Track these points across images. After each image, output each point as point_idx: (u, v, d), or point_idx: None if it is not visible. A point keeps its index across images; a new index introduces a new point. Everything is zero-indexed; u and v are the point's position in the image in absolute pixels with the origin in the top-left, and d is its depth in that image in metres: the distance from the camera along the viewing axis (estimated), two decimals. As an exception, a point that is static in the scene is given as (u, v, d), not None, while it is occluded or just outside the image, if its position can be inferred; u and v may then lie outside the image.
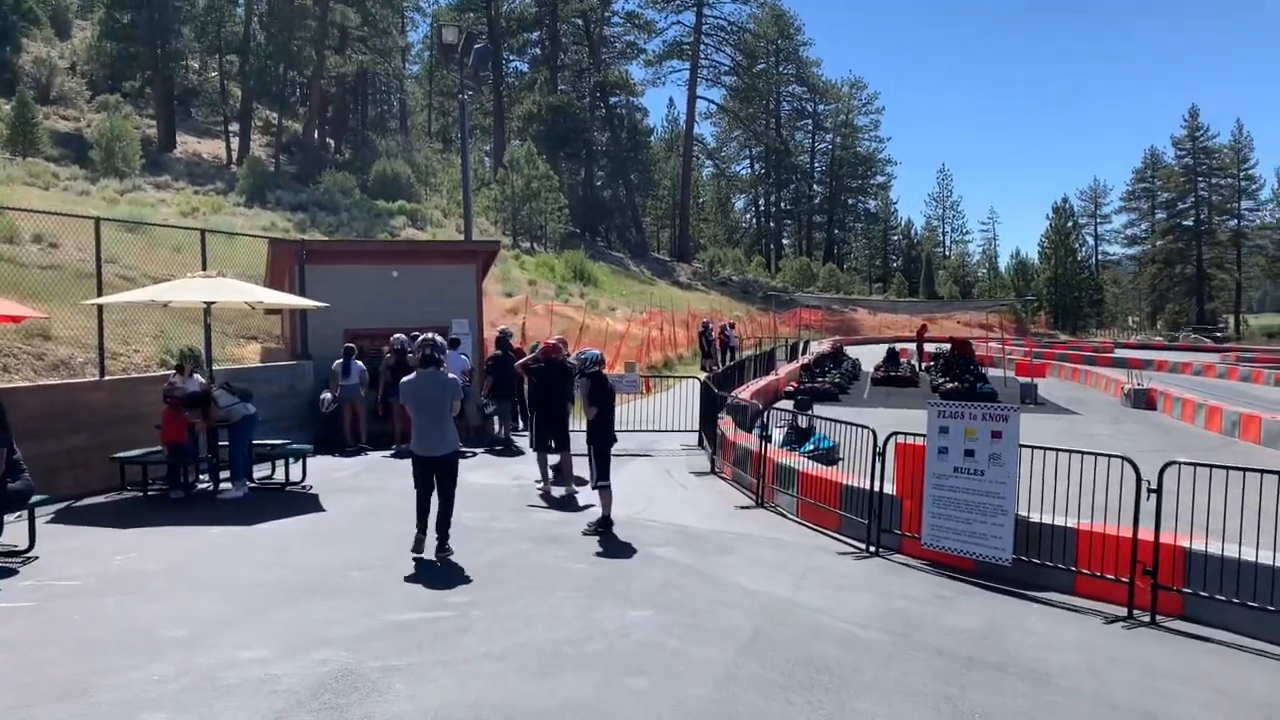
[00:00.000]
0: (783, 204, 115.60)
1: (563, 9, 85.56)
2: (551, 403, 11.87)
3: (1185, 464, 7.06)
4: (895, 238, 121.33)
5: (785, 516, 10.79)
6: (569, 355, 12.64)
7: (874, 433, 9.25)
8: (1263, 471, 6.72)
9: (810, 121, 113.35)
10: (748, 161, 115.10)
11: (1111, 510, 7.42)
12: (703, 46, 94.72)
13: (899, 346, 34.65)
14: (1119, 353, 50.00)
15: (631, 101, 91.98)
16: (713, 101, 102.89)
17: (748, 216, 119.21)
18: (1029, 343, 54.99)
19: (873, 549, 9.07)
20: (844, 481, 9.91)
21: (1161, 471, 6.98)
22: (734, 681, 5.56)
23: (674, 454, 15.18)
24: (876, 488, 9.12)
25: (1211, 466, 6.79)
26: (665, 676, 5.60)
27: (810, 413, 14.81)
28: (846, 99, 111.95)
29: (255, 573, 7.87)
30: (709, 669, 5.74)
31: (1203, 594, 6.74)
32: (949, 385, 25.53)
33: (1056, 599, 7.52)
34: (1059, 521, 7.84)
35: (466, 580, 7.73)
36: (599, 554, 8.76)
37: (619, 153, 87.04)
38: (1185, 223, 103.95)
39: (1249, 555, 6.63)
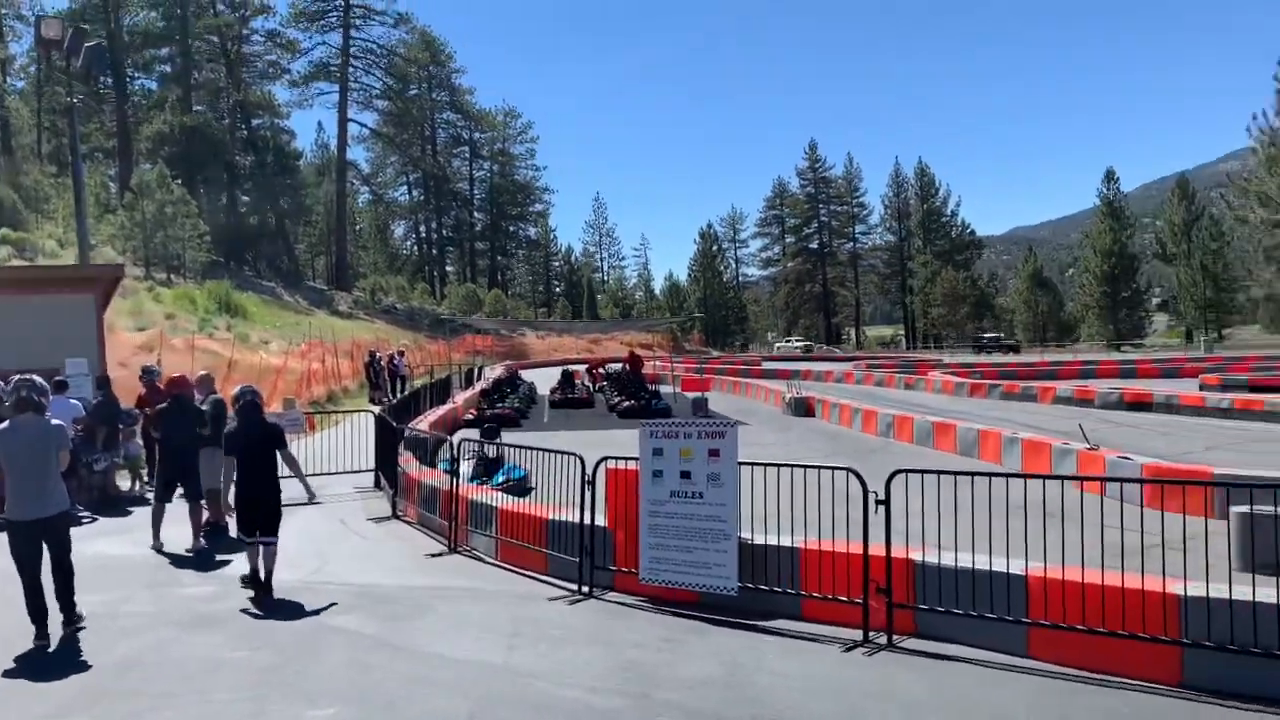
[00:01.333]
0: (444, 230, 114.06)
1: (195, 24, 78.92)
2: (178, 447, 10.31)
3: (912, 472, 6.75)
4: (556, 263, 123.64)
5: (484, 561, 9.64)
6: (217, 393, 10.84)
7: (581, 460, 8.35)
8: (990, 475, 6.54)
9: (467, 149, 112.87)
10: (405, 187, 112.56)
11: (828, 525, 7.02)
12: (351, 69, 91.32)
13: (572, 369, 34.50)
14: (766, 365, 53.49)
15: (277, 123, 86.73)
16: (365, 125, 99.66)
17: (408, 243, 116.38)
18: (687, 359, 57.44)
19: (586, 590, 8.15)
20: (549, 516, 8.93)
21: (889, 481, 6.62)
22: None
23: (347, 498, 13.52)
24: (587, 520, 8.23)
25: (939, 473, 6.49)
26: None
27: (499, 441, 13.74)
28: (502, 127, 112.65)
29: None
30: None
31: (938, 609, 6.40)
32: (626, 404, 25.52)
33: (787, 627, 6.97)
34: (783, 542, 7.32)
35: (87, 690, 5.88)
36: (264, 635, 7.14)
37: (265, 177, 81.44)
38: (811, 246, 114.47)
39: (972, 563, 6.36)
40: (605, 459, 8.21)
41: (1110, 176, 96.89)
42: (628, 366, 31.91)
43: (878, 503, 6.58)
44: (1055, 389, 27.87)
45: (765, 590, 7.23)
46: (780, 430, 21.27)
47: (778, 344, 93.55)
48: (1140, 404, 24.29)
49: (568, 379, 31.21)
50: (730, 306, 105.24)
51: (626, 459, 8.10)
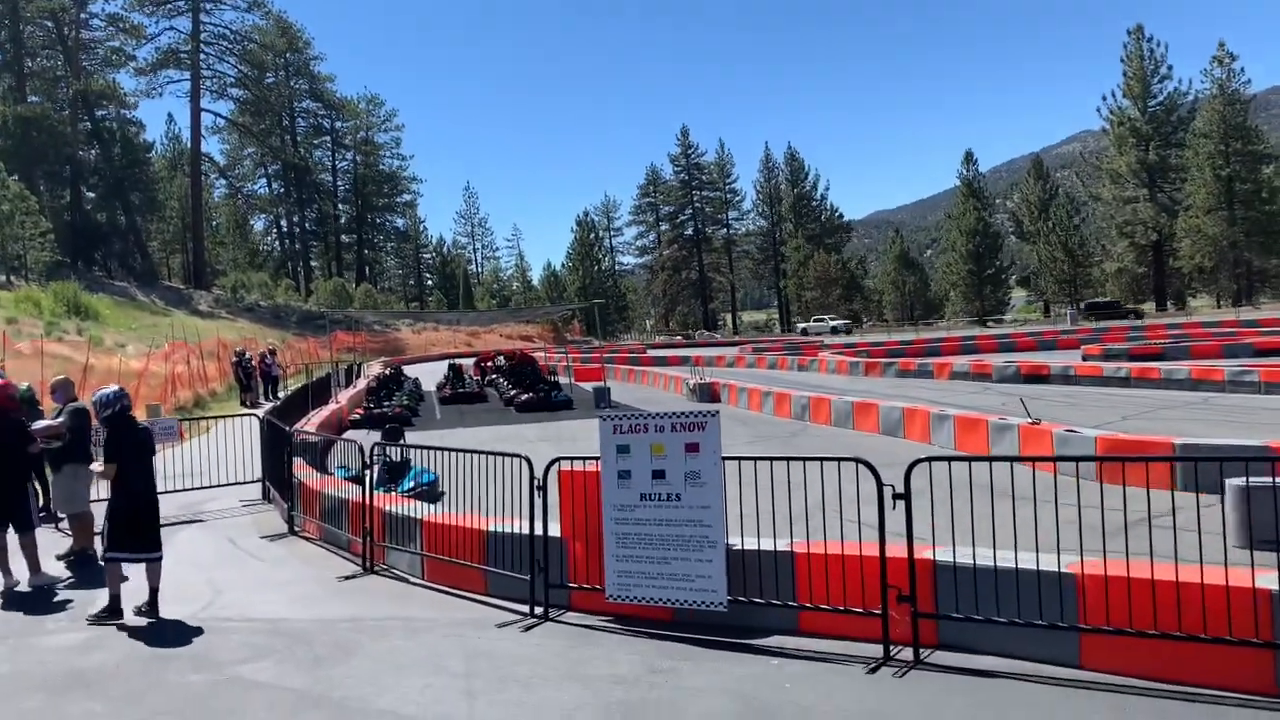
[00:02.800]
0: (307, 224, 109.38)
1: (26, 7, 72.98)
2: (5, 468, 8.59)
3: (936, 460, 5.86)
4: (428, 255, 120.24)
5: (408, 581, 8.40)
6: (77, 400, 9.27)
7: (528, 461, 7.20)
8: (1015, 460, 5.72)
9: (329, 138, 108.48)
10: (265, 179, 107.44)
11: (820, 524, 6.12)
12: (203, 55, 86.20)
13: (458, 363, 32.94)
14: (652, 353, 52.81)
15: (123, 114, 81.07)
16: (220, 115, 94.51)
17: (269, 238, 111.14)
18: (572, 349, 56.27)
19: (540, 612, 7.03)
20: (488, 528, 7.76)
21: (909, 472, 5.72)
22: None
23: (233, 514, 12.00)
24: (539, 530, 7.10)
25: (968, 459, 5.63)
26: None
27: (403, 442, 12.41)
28: (365, 115, 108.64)
29: None
30: None
31: (975, 618, 5.53)
32: (524, 397, 24.27)
33: (789, 646, 6.02)
34: (777, 546, 6.37)
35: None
36: (158, 696, 5.78)
37: (113, 171, 76.19)
38: (686, 232, 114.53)
39: (1003, 562, 5.53)
40: (559, 459, 7.10)
41: (969, 158, 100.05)
42: (519, 359, 30.60)
43: (895, 497, 5.67)
44: (951, 364, 27.91)
45: (760, 604, 6.25)
46: (690, 417, 20.39)
47: (698, 332, 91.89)
48: (1037, 376, 24.43)
49: (456, 373, 29.72)
50: (609, 295, 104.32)
51: (583, 459, 7.01)
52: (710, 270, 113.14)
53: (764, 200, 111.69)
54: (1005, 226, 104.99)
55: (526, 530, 7.21)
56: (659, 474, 6.47)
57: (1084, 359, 28.97)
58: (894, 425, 15.75)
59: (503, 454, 7.49)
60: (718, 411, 6.44)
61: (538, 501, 7.08)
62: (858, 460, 5.93)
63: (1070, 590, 5.27)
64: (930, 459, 5.83)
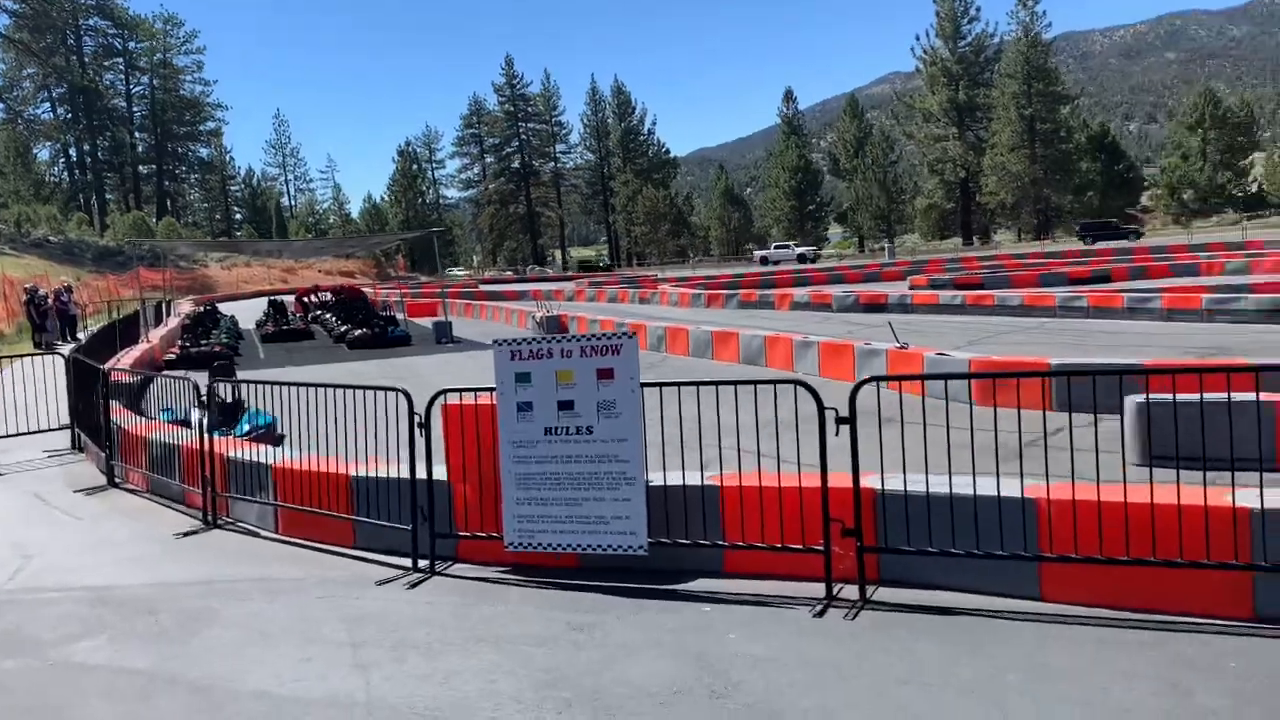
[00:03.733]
0: (100, 154, 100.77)
1: None
2: None
3: (885, 379, 5.37)
4: (236, 188, 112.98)
5: (260, 536, 7.39)
6: None
7: (406, 395, 6.30)
8: (966, 376, 5.29)
9: (122, 60, 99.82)
10: (49, 104, 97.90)
11: (753, 456, 5.59)
12: (-31, -41, 77.23)
13: (281, 299, 30.84)
14: (485, 289, 51.41)
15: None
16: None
17: (56, 168, 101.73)
18: (399, 285, 54.04)
19: (426, 565, 6.21)
20: (353, 472, 6.83)
21: (854, 394, 5.21)
22: None
23: (37, 466, 10.51)
24: (422, 474, 6.25)
25: (922, 377, 5.15)
26: None
27: (235, 379, 11.12)
28: (162, 36, 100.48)
29: None
30: None
31: (929, 550, 5.09)
32: (357, 333, 22.81)
33: (716, 589, 5.45)
34: (701, 480, 5.76)
35: None
36: (-39, 691, 4.68)
37: None
38: (513, 165, 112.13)
39: (959, 489, 5.12)
40: (445, 391, 6.23)
41: (789, 96, 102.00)
42: (348, 293, 28.89)
43: (839, 421, 5.15)
44: (792, 295, 28.12)
45: (687, 545, 5.65)
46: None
47: (530, 268, 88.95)
48: (876, 305, 24.83)
49: (279, 309, 27.75)
50: (434, 228, 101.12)
51: (472, 390, 6.18)
52: (539, 204, 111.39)
53: (591, 134, 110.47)
54: (822, 164, 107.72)
55: (405, 474, 6.35)
56: (566, 405, 5.72)
57: (911, 289, 29.76)
58: (755, 354, 15.47)
59: (379, 388, 6.56)
60: (634, 334, 5.73)
61: (420, 441, 6.22)
62: (796, 382, 5.36)
63: (1032, 517, 4.90)
64: (876, 379, 5.32)
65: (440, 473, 6.30)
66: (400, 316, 26.86)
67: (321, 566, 6.55)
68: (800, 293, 28.99)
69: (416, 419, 6.19)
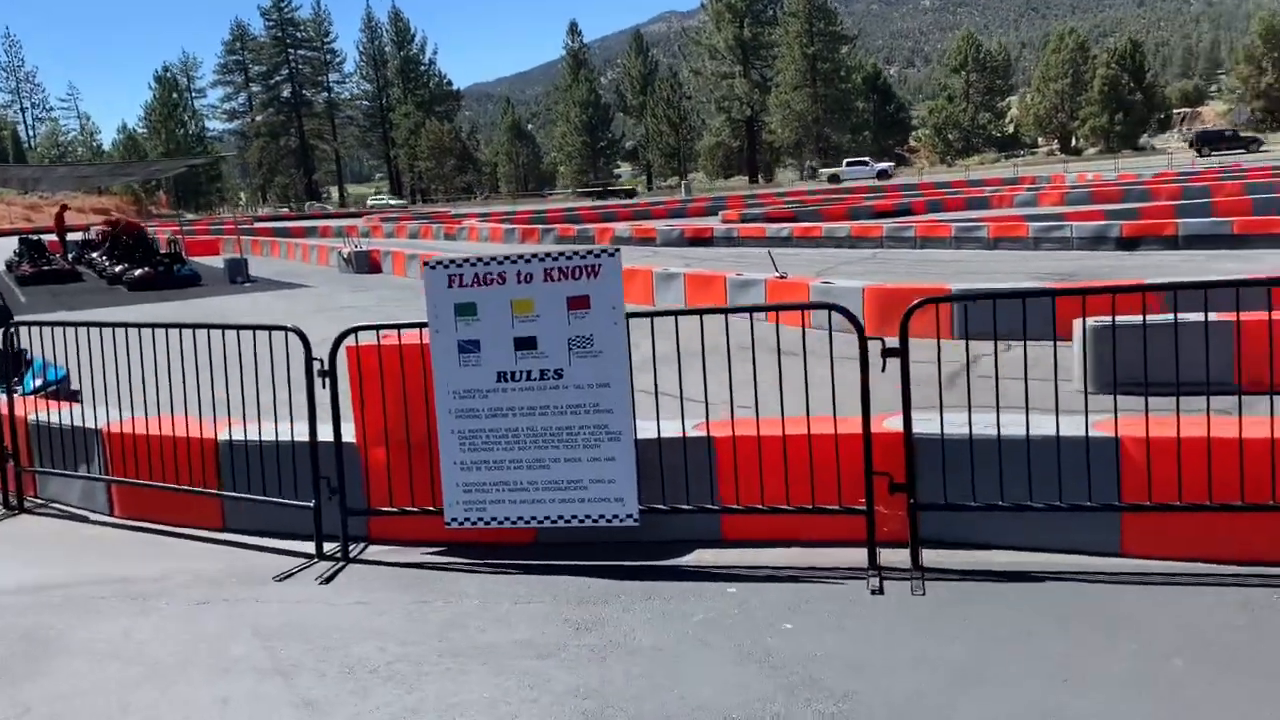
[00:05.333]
0: None
1: None
2: None
3: (940, 300, 4.47)
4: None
5: (89, 520, 5.77)
6: None
7: (301, 336, 4.89)
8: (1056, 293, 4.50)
9: None
10: None
11: (757, 399, 4.60)
12: None
13: (36, 238, 26.96)
14: (262, 225, 47.62)
15: None
16: None
17: None
18: (165, 224, 49.10)
19: (338, 551, 4.88)
20: (220, 435, 5.36)
21: (905, 319, 4.30)
22: None
23: None
24: (326, 435, 4.89)
25: (979, 296, 4.30)
26: None
27: (12, 322, 9.02)
28: None
29: None
30: None
31: (1000, 505, 4.25)
32: (138, 272, 20.05)
33: (726, 563, 4.49)
34: (704, 431, 4.73)
35: None
36: None
37: None
38: (283, 94, 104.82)
39: (1011, 429, 4.33)
40: (354, 329, 4.87)
41: (574, 29, 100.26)
42: (123, 229, 25.55)
43: (885, 354, 4.24)
44: (613, 230, 27.25)
45: (688, 510, 4.61)
46: (357, 290, 17.81)
47: (309, 205, 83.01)
48: (701, 239, 24.31)
49: (37, 249, 24.17)
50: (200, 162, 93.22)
51: (391, 328, 4.87)
52: (313, 137, 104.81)
53: (368, 63, 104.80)
54: (610, 101, 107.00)
55: (299, 437, 4.98)
56: (527, 342, 4.51)
57: (723, 222, 29.47)
58: (607, 288, 14.44)
59: (265, 327, 5.09)
60: (618, 250, 4.57)
61: (320, 392, 4.85)
62: (830, 306, 4.39)
63: (1110, 461, 4.18)
64: (930, 300, 4.43)
65: (348, 433, 4.96)
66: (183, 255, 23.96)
67: (184, 557, 5.09)
68: (622, 227, 28.14)
69: (319, 365, 4.81)
